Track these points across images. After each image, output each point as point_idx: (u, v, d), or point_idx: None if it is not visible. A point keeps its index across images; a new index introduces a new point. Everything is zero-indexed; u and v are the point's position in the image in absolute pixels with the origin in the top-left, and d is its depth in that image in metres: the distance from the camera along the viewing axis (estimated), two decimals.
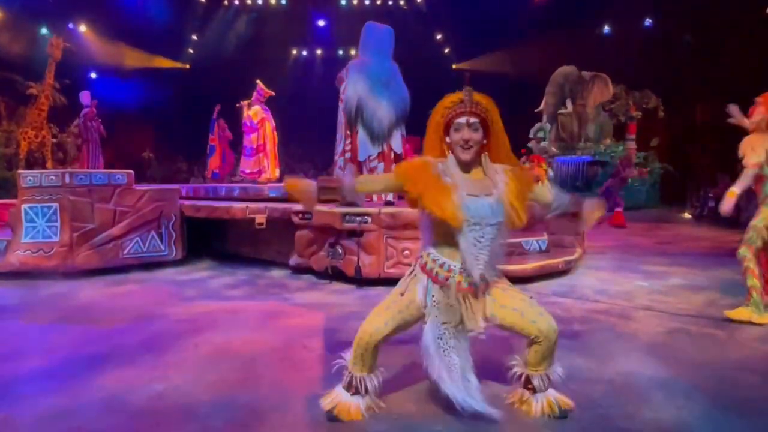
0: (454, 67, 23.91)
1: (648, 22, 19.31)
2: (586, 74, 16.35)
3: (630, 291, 5.31)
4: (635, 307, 4.70)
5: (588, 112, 16.42)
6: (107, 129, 13.21)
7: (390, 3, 22.76)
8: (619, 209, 10.95)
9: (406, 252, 5.47)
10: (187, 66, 22.59)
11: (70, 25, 17.63)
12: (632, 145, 16.08)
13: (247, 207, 6.35)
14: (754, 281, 4.24)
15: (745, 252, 4.31)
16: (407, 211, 5.51)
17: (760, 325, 4.12)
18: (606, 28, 20.30)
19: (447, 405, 2.62)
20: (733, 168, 12.43)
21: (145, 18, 18.99)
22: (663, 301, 4.91)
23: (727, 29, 15.97)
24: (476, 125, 2.55)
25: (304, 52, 24.52)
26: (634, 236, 9.72)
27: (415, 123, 9.81)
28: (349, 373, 2.67)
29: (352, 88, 5.90)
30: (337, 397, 2.66)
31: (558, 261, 6.06)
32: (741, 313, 4.26)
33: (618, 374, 3.15)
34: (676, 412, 2.68)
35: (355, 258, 5.51)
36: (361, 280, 5.50)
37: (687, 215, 13.18)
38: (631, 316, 4.43)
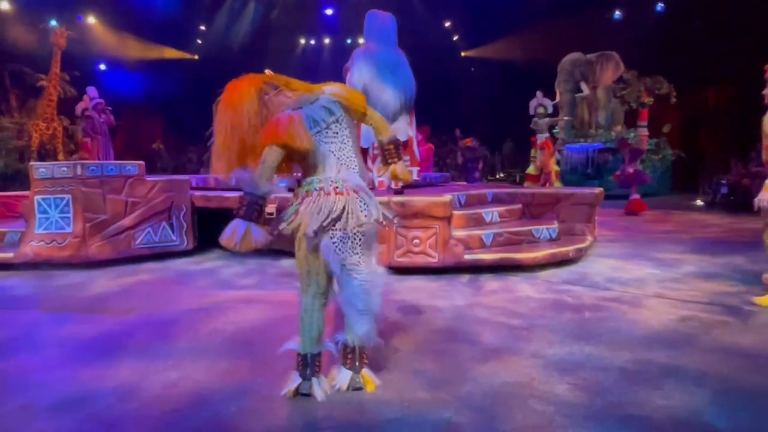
0: (463, 54, 23.73)
1: (660, 6, 18.99)
2: (591, 56, 16.13)
3: (641, 278, 5.29)
4: (647, 294, 4.68)
5: (599, 97, 16.21)
6: (117, 121, 13.26)
7: None
8: (637, 196, 10.81)
9: (416, 240, 5.47)
10: (196, 56, 22.57)
11: (79, 17, 17.67)
12: (644, 131, 15.82)
13: None
14: None
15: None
16: (417, 200, 5.51)
17: None
18: (617, 13, 19.97)
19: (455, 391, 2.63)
20: (746, 153, 12.26)
21: (153, 9, 18.96)
22: (675, 288, 4.88)
23: (741, 12, 15.69)
24: None
25: (312, 41, 24.41)
26: (645, 223, 9.65)
27: (424, 111, 9.77)
28: (300, 354, 2.81)
29: (358, 74, 5.87)
30: (294, 382, 2.77)
31: (569, 249, 6.04)
32: (766, 300, 4.23)
33: (629, 362, 3.15)
34: (687, 398, 2.68)
35: None
36: None
37: (699, 202, 13.05)
38: (643, 303, 4.41)
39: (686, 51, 16.57)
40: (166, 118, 21.87)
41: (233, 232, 2.61)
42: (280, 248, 6.68)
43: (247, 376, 3.02)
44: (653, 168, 15.19)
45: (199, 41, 22.50)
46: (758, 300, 4.29)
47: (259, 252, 6.78)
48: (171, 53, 21.74)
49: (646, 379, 2.90)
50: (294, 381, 2.77)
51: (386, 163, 3.10)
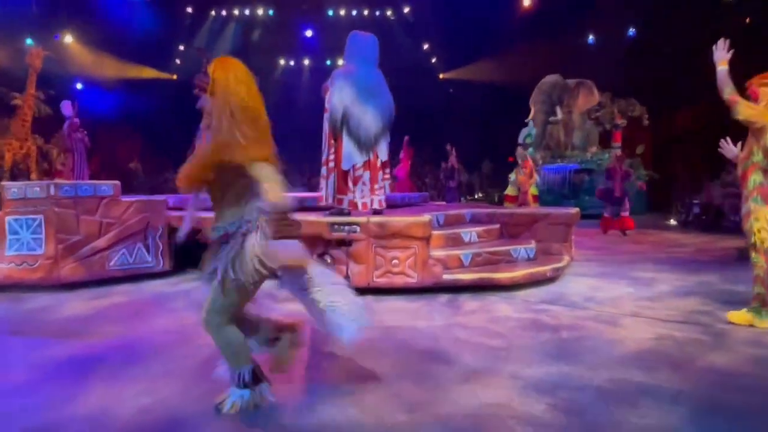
0: (441, 76, 24.08)
1: (631, 31, 19.59)
2: (570, 82, 16.53)
3: (617, 297, 5.35)
4: (623, 313, 4.73)
5: (574, 119, 16.58)
6: (93, 140, 13.07)
7: (377, 13, 22.89)
8: (625, 213, 10.82)
9: (395, 261, 5.47)
10: (174, 77, 22.52)
11: (56, 36, 17.54)
12: (618, 152, 16.23)
13: None
14: (761, 289, 4.27)
15: (757, 258, 4.32)
16: (396, 220, 5.52)
17: (760, 328, 4.18)
18: (591, 38, 20.57)
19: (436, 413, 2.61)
20: (717, 174, 12.53)
21: (132, 28, 18.94)
22: (650, 307, 4.94)
23: (709, 38, 16.22)
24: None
25: (292, 62, 24.57)
26: (620, 243, 9.80)
27: (403, 132, 9.84)
28: (237, 372, 2.77)
29: (338, 96, 5.89)
30: (230, 395, 2.77)
31: (546, 269, 6.09)
32: (742, 316, 4.31)
33: (606, 381, 3.17)
34: (663, 417, 2.70)
35: (344, 267, 5.49)
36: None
37: (672, 222, 13.32)
38: (619, 322, 4.46)
39: (657, 74, 17.08)
40: (143, 138, 21.71)
41: (295, 252, 2.64)
42: None
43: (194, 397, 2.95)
44: (630, 187, 15.47)
45: (178, 61, 22.47)
46: (732, 316, 4.36)
47: None
48: (149, 73, 21.67)
49: (622, 399, 2.92)
50: (235, 396, 2.77)
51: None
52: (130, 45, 19.42)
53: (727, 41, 4.52)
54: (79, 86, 19.51)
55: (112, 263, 6.38)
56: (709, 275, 6.40)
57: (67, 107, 12.23)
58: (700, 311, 4.77)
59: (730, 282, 5.93)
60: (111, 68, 20.03)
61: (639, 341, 3.93)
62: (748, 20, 16.76)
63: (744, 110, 4.26)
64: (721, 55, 4.48)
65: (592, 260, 7.63)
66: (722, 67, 4.44)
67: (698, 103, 15.94)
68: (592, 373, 3.29)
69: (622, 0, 18.14)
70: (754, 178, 4.31)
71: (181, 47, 22.35)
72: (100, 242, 6.28)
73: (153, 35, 19.64)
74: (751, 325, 4.23)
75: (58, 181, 7.33)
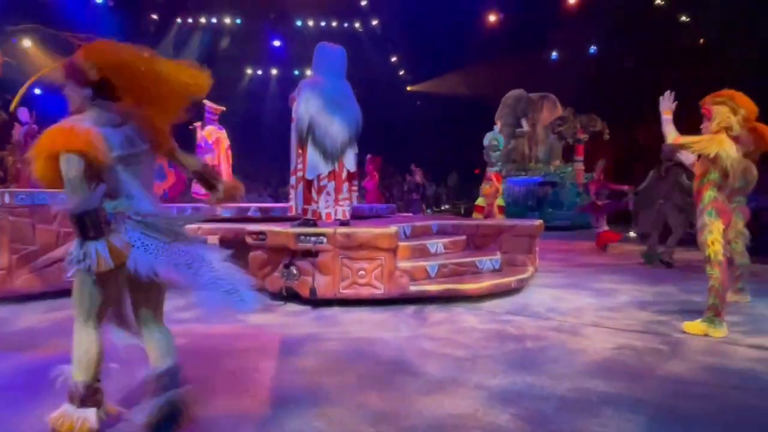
0: (408, 89, 24.30)
1: (593, 49, 20.19)
2: (534, 95, 16.91)
3: (580, 308, 5.45)
4: (585, 323, 4.82)
5: (538, 133, 16.94)
6: None
7: (345, 25, 23.00)
8: (606, 227, 10.83)
9: (362, 272, 5.46)
10: None
11: (14, 40, 17.03)
12: (580, 166, 16.62)
13: (199, 228, 6.21)
14: (715, 300, 4.41)
15: (711, 270, 4.45)
16: (362, 231, 5.52)
17: (715, 338, 4.31)
18: (554, 54, 21.11)
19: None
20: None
21: (95, 33, 18.53)
22: (611, 317, 5.06)
23: (666, 56, 16.88)
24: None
25: (260, 72, 24.44)
26: (583, 254, 10.01)
27: (370, 144, 9.89)
28: (74, 382, 2.55)
29: (304, 106, 5.88)
30: (65, 414, 2.51)
31: (511, 279, 6.17)
32: (697, 327, 4.44)
33: (569, 390, 3.22)
34: (624, 426, 2.75)
35: (310, 278, 5.46)
36: (316, 301, 5.45)
37: (632, 234, 13.66)
38: (581, 332, 4.54)
39: (618, 90, 17.62)
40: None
41: (99, 256, 2.33)
42: None
43: None
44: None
45: None
46: (688, 326, 4.49)
47: None
48: None
49: (584, 408, 2.97)
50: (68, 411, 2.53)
51: (211, 186, 2.88)
52: None
53: (673, 93, 4.71)
54: (37, 92, 18.94)
55: (69, 274, 6.17)
56: (667, 286, 6.59)
57: (24, 114, 11.89)
58: (658, 321, 4.90)
59: (687, 293, 6.12)
60: None
61: (600, 351, 4.02)
62: (702, 41, 17.48)
63: (694, 147, 4.46)
64: (667, 105, 4.73)
65: (556, 271, 7.77)
66: (666, 116, 4.68)
67: (657, 118, 16.52)
68: (554, 382, 3.34)
69: (584, 18, 18.69)
70: (709, 194, 4.48)
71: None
72: (57, 252, 6.08)
73: (117, 41, 19.26)
74: (706, 335, 4.36)
75: (13, 189, 7.08)
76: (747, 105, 4.54)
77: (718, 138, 4.43)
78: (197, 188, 9.38)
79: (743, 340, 4.30)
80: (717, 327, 4.38)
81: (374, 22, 22.68)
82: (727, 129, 4.46)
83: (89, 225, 2.35)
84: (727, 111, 4.47)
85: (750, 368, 3.65)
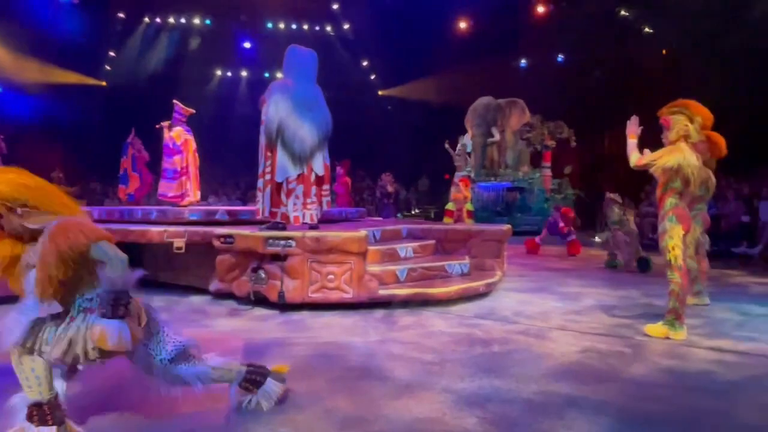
0: (380, 93, 24.35)
1: (560, 57, 20.59)
2: (502, 101, 17.14)
3: (546, 312, 5.53)
4: (551, 327, 4.89)
5: (507, 139, 17.15)
6: (11, 147, 12.31)
7: (317, 28, 22.93)
8: (573, 237, 11.04)
9: (331, 276, 5.43)
10: (104, 83, 21.61)
11: None
12: (548, 172, 16.89)
13: (165, 231, 6.09)
14: (675, 304, 4.52)
15: (672, 275, 4.57)
16: (332, 235, 5.50)
17: (675, 340, 4.42)
18: (523, 62, 21.44)
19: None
20: (638, 195, 13.28)
21: (58, 31, 18.05)
22: (576, 321, 5.14)
23: (631, 66, 17.32)
24: None
25: (229, 73, 24.15)
26: (550, 259, 10.17)
27: (341, 147, 9.86)
28: (29, 403, 2.51)
29: (274, 108, 5.84)
30: None
31: (479, 284, 6.22)
32: (658, 329, 4.55)
33: (535, 393, 3.26)
34: (588, 427, 2.80)
35: (279, 283, 5.40)
36: (284, 306, 5.40)
37: (597, 239, 13.94)
38: (547, 336, 4.61)
39: (584, 98, 17.98)
40: (67, 146, 20.62)
41: (120, 336, 2.39)
42: (188, 284, 6.42)
43: (142, 424, 2.82)
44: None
45: (108, 67, 21.60)
46: (649, 329, 4.60)
47: (166, 289, 6.47)
48: (75, 78, 20.65)
49: (550, 410, 3.01)
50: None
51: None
52: (55, 48, 18.47)
53: (637, 118, 4.87)
54: None
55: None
56: (630, 290, 6.74)
57: None
58: (621, 324, 5.01)
59: (649, 296, 6.27)
60: (33, 72, 18.95)
61: (566, 354, 4.08)
62: (664, 51, 17.99)
63: (657, 162, 4.61)
64: (633, 129, 4.90)
65: (523, 276, 7.87)
66: (631, 140, 4.85)
67: (622, 126, 16.95)
68: (521, 385, 3.38)
69: (552, 27, 19.06)
70: (671, 201, 4.61)
71: (112, 53, 21.52)
72: None
73: (81, 39, 18.81)
74: (667, 338, 4.48)
75: None
76: (702, 112, 4.72)
77: (678, 147, 4.58)
78: (164, 190, 9.21)
79: (702, 342, 4.43)
80: (677, 330, 4.49)
81: (346, 26, 22.67)
82: (686, 137, 4.62)
83: (123, 304, 2.44)
84: (684, 119, 4.64)
85: (708, 370, 3.75)
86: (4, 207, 2.46)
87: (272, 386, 2.99)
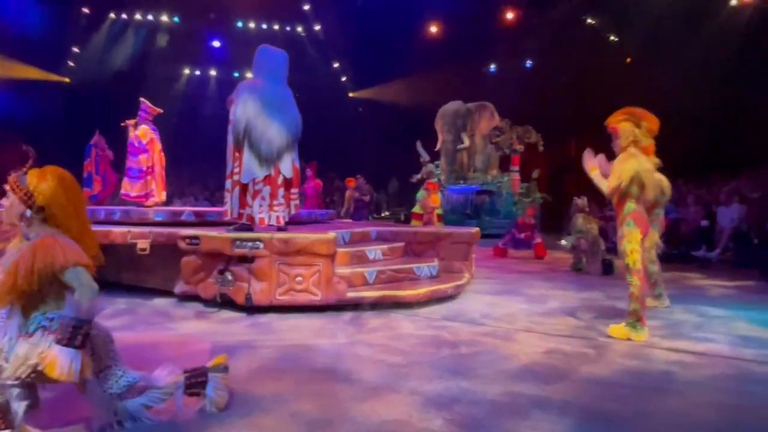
0: (350, 95, 24.34)
1: (529, 63, 20.95)
2: (471, 105, 17.32)
3: (513, 314, 5.60)
4: (517, 329, 4.95)
5: (476, 143, 17.33)
6: None
7: (288, 29, 22.80)
8: (539, 240, 11.20)
9: (299, 278, 5.39)
10: (67, 80, 21.04)
11: None
12: (516, 176, 17.13)
13: (129, 231, 5.96)
14: (636, 306, 4.62)
15: (631, 278, 4.68)
16: (301, 237, 5.46)
17: (637, 341, 4.52)
18: (492, 67, 21.74)
19: None
20: (603, 198, 13.57)
21: (19, 25, 17.50)
22: (541, 322, 5.22)
23: (596, 73, 17.72)
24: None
25: (198, 72, 23.81)
26: (517, 262, 10.31)
27: (311, 149, 9.82)
28: None
29: (242, 108, 5.77)
30: None
31: (448, 286, 6.26)
32: (620, 331, 4.64)
33: (501, 394, 3.29)
34: (552, 428, 2.84)
35: (246, 285, 5.34)
36: (251, 308, 5.33)
37: (563, 242, 14.19)
38: (514, 337, 4.66)
39: (551, 103, 18.32)
40: (28, 143, 20.00)
41: (71, 367, 2.36)
42: (152, 286, 6.29)
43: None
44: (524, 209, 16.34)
45: (71, 64, 21.04)
46: (612, 330, 4.70)
47: (130, 291, 6.32)
48: (37, 74, 20.05)
49: (515, 411, 3.04)
50: None
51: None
52: (16, 42, 17.90)
53: (591, 151, 5.04)
54: None
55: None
56: (593, 292, 6.88)
57: None
58: (585, 326, 5.10)
59: (612, 299, 6.40)
60: None
61: (531, 355, 4.13)
62: (628, 60, 18.46)
63: (621, 181, 4.69)
64: (590, 163, 5.00)
65: (491, 278, 7.96)
66: (593, 173, 4.99)
67: (588, 131, 17.32)
68: (487, 387, 3.41)
69: (521, 33, 19.38)
70: (629, 205, 4.75)
71: (76, 49, 20.96)
72: None
73: (43, 34, 18.26)
74: (629, 339, 4.58)
75: None
76: (647, 117, 4.94)
77: (629, 153, 4.76)
78: (127, 190, 9.01)
79: (662, 343, 4.54)
80: (639, 331, 4.60)
81: (317, 27, 22.59)
82: (635, 142, 4.80)
83: (82, 334, 2.41)
84: (631, 126, 4.84)
85: (668, 370, 3.85)
86: (30, 204, 2.51)
87: (217, 380, 2.95)
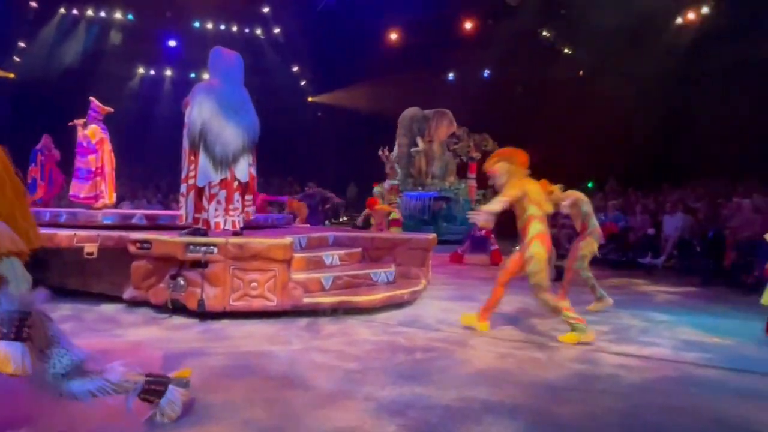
0: (309, 99, 24.21)
1: (486, 73, 21.34)
2: (428, 112, 17.52)
3: None
4: (472, 334, 5.02)
5: (434, 149, 17.50)
6: None
7: (246, 31, 22.51)
8: (496, 247, 11.28)
9: (254, 284, 5.31)
10: (12, 75, 20.17)
11: None
12: (473, 183, 17.37)
13: (75, 234, 5.74)
14: (566, 315, 4.81)
15: (543, 296, 4.90)
16: (256, 242, 5.39)
17: (587, 343, 4.69)
18: (450, 75, 22.04)
19: None
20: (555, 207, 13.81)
21: None
22: (496, 328, 5.30)
23: (551, 83, 18.22)
24: None
25: (152, 72, 23.21)
26: (474, 268, 10.44)
27: (269, 152, 9.71)
28: None
29: (197, 110, 5.66)
30: None
31: (404, 292, 6.28)
32: (570, 337, 4.78)
33: (454, 399, 3.32)
34: (501, 431, 2.89)
35: (199, 290, 5.22)
36: (204, 314, 5.22)
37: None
38: (468, 343, 4.72)
39: (508, 113, 18.70)
40: None
41: (23, 361, 2.24)
42: (100, 291, 6.08)
43: None
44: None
45: (17, 59, 20.19)
46: (562, 339, 4.82)
47: (75, 296, 6.09)
48: None
49: (467, 416, 3.08)
50: None
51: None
52: None
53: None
54: None
55: None
56: None
57: None
58: (537, 331, 5.22)
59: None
60: None
61: (484, 360, 4.20)
62: (581, 72, 19.04)
63: (512, 198, 4.96)
64: (484, 225, 5.53)
65: (447, 284, 8.03)
66: (484, 220, 5.24)
67: (540, 140, 17.76)
68: (441, 392, 3.44)
69: (479, 43, 19.72)
70: (534, 227, 4.97)
71: (22, 44, 20.14)
72: None
73: None
74: (579, 342, 4.71)
75: None
76: (518, 154, 5.25)
77: (512, 181, 5.03)
78: (76, 191, 8.70)
79: (610, 347, 4.68)
80: (585, 332, 4.75)
81: (276, 30, 22.40)
82: (513, 176, 5.08)
83: (27, 326, 2.30)
84: (506, 164, 5.14)
85: (615, 374, 3.97)
86: None
87: (175, 394, 2.86)
